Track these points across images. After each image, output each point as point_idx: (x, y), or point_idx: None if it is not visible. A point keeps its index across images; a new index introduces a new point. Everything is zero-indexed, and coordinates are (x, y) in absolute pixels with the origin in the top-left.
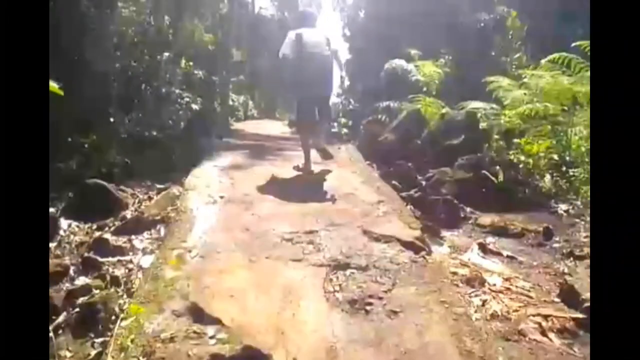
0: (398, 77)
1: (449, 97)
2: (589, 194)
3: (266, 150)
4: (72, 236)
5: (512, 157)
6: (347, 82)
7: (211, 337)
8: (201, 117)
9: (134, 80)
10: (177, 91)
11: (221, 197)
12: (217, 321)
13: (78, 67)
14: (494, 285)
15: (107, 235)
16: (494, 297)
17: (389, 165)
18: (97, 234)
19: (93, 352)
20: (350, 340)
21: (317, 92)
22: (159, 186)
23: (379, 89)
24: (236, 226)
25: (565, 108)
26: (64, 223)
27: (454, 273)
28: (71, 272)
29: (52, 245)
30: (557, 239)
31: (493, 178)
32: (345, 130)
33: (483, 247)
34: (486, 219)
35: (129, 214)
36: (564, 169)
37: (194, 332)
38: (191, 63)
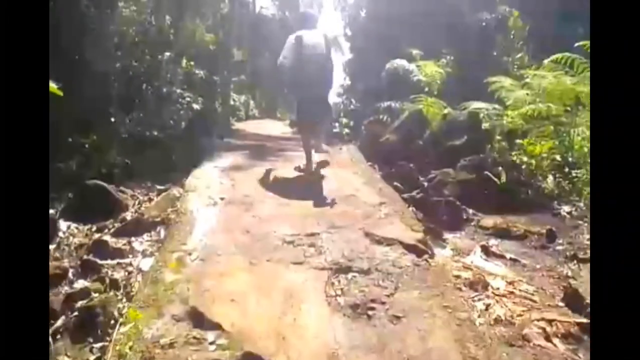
0: (399, 77)
1: (451, 97)
2: None
3: (267, 150)
4: (71, 238)
5: (514, 158)
6: (348, 82)
7: (211, 343)
8: (202, 117)
9: (134, 80)
10: (178, 91)
11: (222, 199)
12: (217, 326)
13: (78, 67)
14: (498, 288)
15: (107, 237)
16: (497, 301)
17: (390, 166)
18: (96, 235)
19: (92, 358)
20: (353, 346)
21: (317, 92)
22: (159, 187)
23: (381, 89)
24: (237, 228)
25: (568, 108)
26: (63, 225)
27: (457, 276)
28: (70, 275)
29: (51, 247)
30: (560, 241)
31: (495, 179)
32: (346, 130)
33: (486, 250)
34: (489, 220)
35: (128, 215)
36: (566, 170)
37: (194, 337)
38: (192, 63)
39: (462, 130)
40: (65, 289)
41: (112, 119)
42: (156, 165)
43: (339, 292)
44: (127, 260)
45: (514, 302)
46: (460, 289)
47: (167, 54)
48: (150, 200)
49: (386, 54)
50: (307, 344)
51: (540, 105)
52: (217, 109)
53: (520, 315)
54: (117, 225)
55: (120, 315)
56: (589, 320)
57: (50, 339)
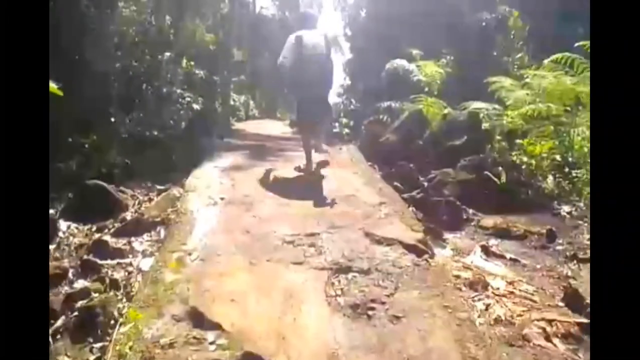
0: (399, 77)
1: (451, 97)
2: None
3: (267, 150)
4: (71, 238)
5: (514, 158)
6: (348, 82)
7: (211, 343)
8: (202, 117)
9: (134, 80)
10: (178, 91)
11: (222, 199)
12: (217, 326)
13: (78, 67)
14: (498, 288)
15: (107, 237)
16: (497, 301)
17: (390, 166)
18: (96, 235)
19: (92, 358)
20: (353, 346)
21: (317, 93)
22: (159, 187)
23: (381, 89)
24: (237, 228)
25: (568, 108)
26: (63, 224)
27: (457, 276)
28: (70, 275)
29: (51, 247)
30: (560, 241)
31: (495, 179)
32: (346, 130)
33: (486, 250)
34: (489, 220)
35: (128, 215)
36: (566, 170)
37: (194, 337)
38: (192, 63)
39: (462, 130)
40: (65, 289)
41: (112, 119)
42: (156, 165)
43: (339, 292)
44: (127, 260)
45: (514, 302)
46: (460, 289)
47: (167, 54)
48: (150, 200)
49: (386, 54)
50: (307, 344)
51: (540, 105)
52: (217, 109)
53: (520, 315)
54: (117, 225)
55: (120, 315)
56: (589, 320)
57: (50, 339)
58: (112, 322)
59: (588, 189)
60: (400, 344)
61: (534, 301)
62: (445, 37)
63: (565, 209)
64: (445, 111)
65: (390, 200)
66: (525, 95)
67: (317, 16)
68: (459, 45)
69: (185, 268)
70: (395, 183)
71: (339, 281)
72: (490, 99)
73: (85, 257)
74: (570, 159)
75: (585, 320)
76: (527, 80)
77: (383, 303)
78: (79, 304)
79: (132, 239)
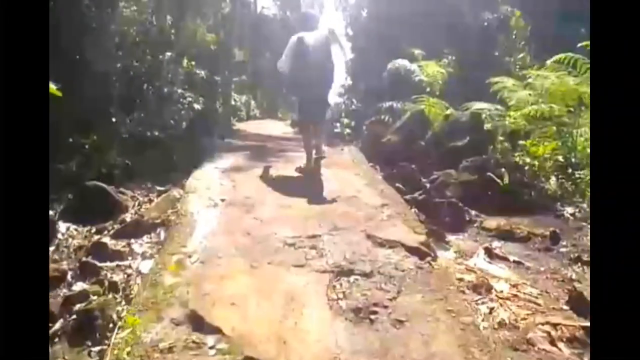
0: (401, 77)
1: (453, 97)
2: None
3: (268, 151)
4: (70, 240)
5: (517, 159)
6: (349, 82)
7: (211, 347)
8: (203, 117)
9: (135, 80)
10: (179, 91)
11: (222, 200)
12: (217, 330)
13: (78, 67)
14: (501, 291)
15: (106, 239)
16: (501, 305)
17: (392, 167)
18: (95, 237)
19: None
20: (355, 350)
21: (318, 93)
22: (159, 188)
23: (382, 89)
24: (237, 230)
25: (571, 109)
26: (62, 226)
27: (460, 279)
28: (69, 277)
29: (50, 249)
30: (564, 243)
31: (498, 180)
32: (347, 130)
33: (489, 252)
34: (492, 222)
35: (128, 217)
36: (569, 171)
37: (193, 341)
38: (193, 63)
39: (465, 131)
40: (63, 291)
41: (113, 119)
42: (156, 165)
43: (340, 295)
44: (126, 263)
45: (518, 306)
46: (463, 292)
47: (168, 54)
48: (150, 201)
49: (388, 54)
50: (309, 348)
51: (543, 106)
52: (218, 109)
53: (524, 318)
54: (116, 226)
55: (119, 318)
56: None
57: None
58: (111, 325)
59: None
60: (403, 348)
61: (538, 304)
62: (447, 37)
63: (569, 210)
64: (448, 112)
65: (392, 201)
66: (528, 95)
67: (318, 16)
68: (460, 45)
69: (185, 271)
70: (397, 184)
71: (341, 284)
72: (493, 100)
73: (84, 259)
74: (573, 160)
75: None
76: (530, 80)
77: (386, 307)
78: (78, 306)
79: (132, 240)
